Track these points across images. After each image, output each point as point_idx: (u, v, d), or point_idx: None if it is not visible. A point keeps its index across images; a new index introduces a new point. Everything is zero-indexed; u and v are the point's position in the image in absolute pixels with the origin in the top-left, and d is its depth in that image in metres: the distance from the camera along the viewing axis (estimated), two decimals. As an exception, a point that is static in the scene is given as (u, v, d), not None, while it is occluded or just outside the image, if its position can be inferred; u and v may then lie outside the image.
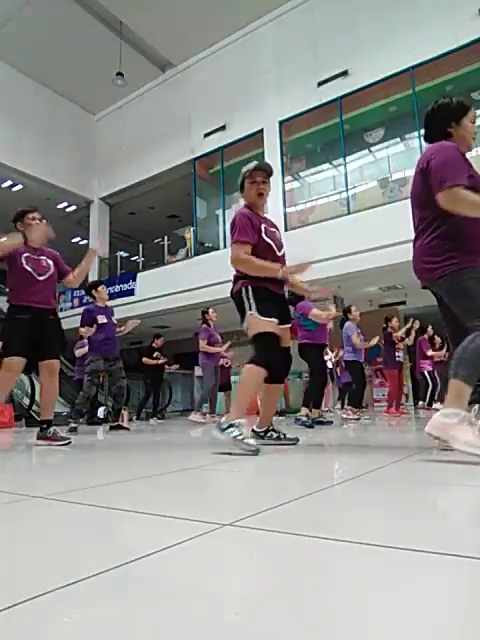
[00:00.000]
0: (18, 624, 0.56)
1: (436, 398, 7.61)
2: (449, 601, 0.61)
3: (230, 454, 2.27)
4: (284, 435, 2.78)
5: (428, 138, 2.15)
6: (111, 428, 5.20)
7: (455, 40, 8.44)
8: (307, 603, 0.60)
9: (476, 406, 2.44)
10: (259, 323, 2.54)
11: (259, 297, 2.58)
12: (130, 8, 10.51)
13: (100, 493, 1.43)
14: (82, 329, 5.21)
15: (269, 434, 2.77)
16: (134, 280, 12.21)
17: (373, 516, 1.07)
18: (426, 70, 8.76)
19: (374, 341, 6.32)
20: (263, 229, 2.66)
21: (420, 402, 7.99)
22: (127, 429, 5.17)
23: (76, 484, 1.58)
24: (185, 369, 12.38)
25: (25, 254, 3.25)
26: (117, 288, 12.42)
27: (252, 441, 2.34)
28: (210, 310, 6.56)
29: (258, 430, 2.80)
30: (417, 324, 7.14)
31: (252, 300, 2.57)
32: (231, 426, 2.36)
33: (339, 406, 9.00)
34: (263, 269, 2.57)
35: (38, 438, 3.29)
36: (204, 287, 10.28)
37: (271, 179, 2.89)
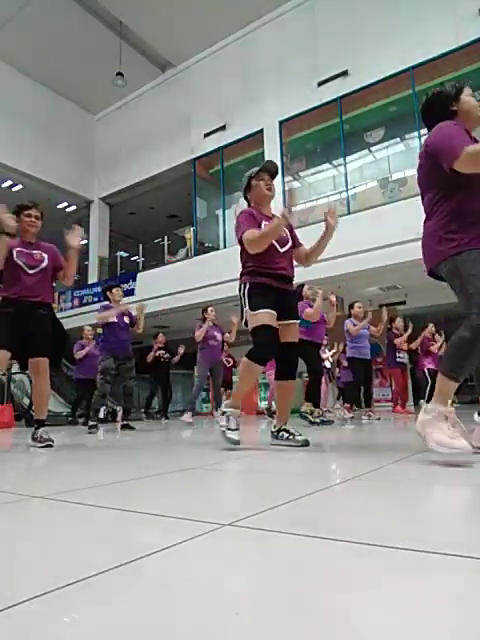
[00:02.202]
0: (18, 624, 0.56)
1: None
2: (449, 601, 0.61)
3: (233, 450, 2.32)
4: (293, 436, 2.68)
5: (430, 129, 2.09)
6: (122, 428, 5.39)
7: (455, 40, 8.44)
8: (307, 603, 0.60)
9: (421, 402, 2.52)
10: (252, 318, 2.63)
11: (253, 293, 2.66)
12: (130, 8, 10.52)
13: (100, 493, 1.43)
14: (87, 328, 5.29)
15: (281, 434, 2.73)
16: (134, 280, 12.22)
17: (373, 516, 1.07)
18: (426, 70, 8.76)
19: (380, 328, 6.38)
20: (264, 226, 2.71)
21: (421, 401, 7.98)
22: (133, 428, 5.34)
23: (76, 484, 1.58)
24: (185, 369, 12.38)
25: (17, 248, 3.20)
26: (117, 288, 12.43)
27: (234, 435, 2.51)
28: (209, 309, 6.66)
29: (273, 430, 2.80)
30: (411, 328, 7.15)
31: (246, 297, 2.67)
32: (223, 414, 2.61)
33: (338, 405, 8.99)
34: (270, 233, 2.62)
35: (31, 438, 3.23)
36: (204, 287, 10.28)
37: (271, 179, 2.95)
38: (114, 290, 5.49)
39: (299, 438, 2.65)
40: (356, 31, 9.51)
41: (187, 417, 6.38)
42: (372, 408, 6.37)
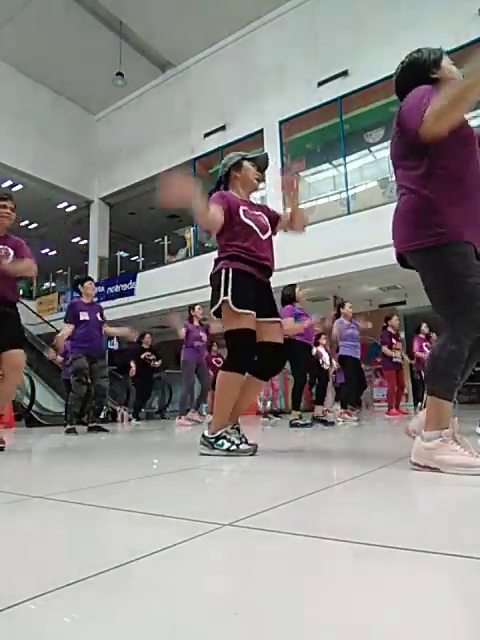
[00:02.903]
0: (18, 624, 0.56)
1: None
2: (450, 601, 0.61)
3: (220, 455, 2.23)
4: (243, 442, 2.30)
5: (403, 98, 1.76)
6: (89, 429, 5.03)
7: (455, 40, 8.43)
8: (307, 603, 0.60)
9: (455, 419, 1.91)
10: (233, 316, 2.30)
11: (238, 283, 2.32)
12: (130, 8, 10.52)
13: (100, 493, 1.43)
14: (64, 327, 4.97)
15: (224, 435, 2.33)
16: (134, 280, 12.22)
17: (373, 516, 1.07)
18: (426, 70, 8.76)
19: (368, 325, 6.21)
20: (242, 211, 2.44)
21: (419, 403, 7.93)
22: (106, 431, 4.97)
23: (76, 484, 1.58)
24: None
25: None
26: (117, 288, 12.43)
27: (246, 445, 2.23)
28: (196, 307, 6.45)
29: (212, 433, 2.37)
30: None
31: (230, 286, 2.31)
32: (219, 439, 2.25)
33: (337, 407, 8.95)
34: (203, 215, 2.27)
35: None
36: (204, 287, 10.23)
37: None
38: (86, 283, 5.20)
39: (243, 447, 2.27)
40: (356, 31, 9.51)
41: (184, 420, 6.06)
42: (358, 409, 6.22)
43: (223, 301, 2.31)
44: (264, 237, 2.48)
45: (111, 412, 8.17)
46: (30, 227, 15.42)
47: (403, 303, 10.84)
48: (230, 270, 2.34)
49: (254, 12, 10.80)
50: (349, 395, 6.05)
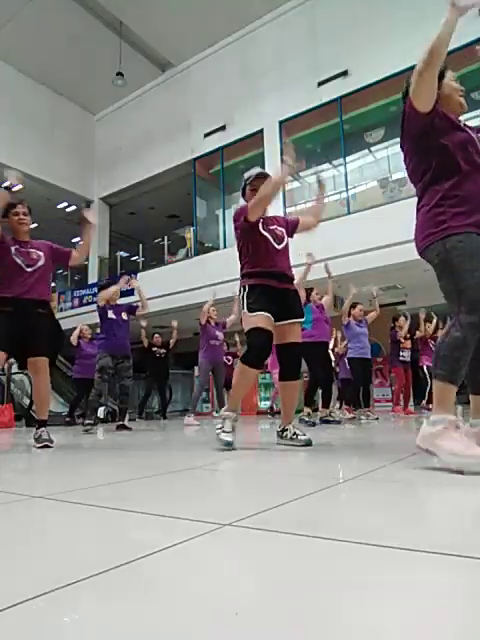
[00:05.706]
0: (18, 624, 0.56)
1: None
2: (449, 601, 0.61)
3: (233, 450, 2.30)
4: (296, 436, 2.67)
5: None
6: (117, 428, 5.25)
7: (455, 40, 8.41)
8: (307, 603, 0.60)
9: (459, 408, 2.23)
10: (247, 319, 2.61)
11: (251, 294, 2.64)
12: (130, 8, 10.51)
13: (100, 493, 1.43)
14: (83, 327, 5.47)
15: (285, 434, 2.72)
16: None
17: (373, 516, 1.07)
18: (426, 70, 8.74)
19: (373, 314, 6.40)
20: (260, 223, 2.73)
21: (423, 401, 7.93)
22: (129, 429, 5.18)
23: (76, 484, 1.58)
24: (185, 369, 12.38)
25: (14, 247, 3.20)
26: (117, 288, 12.42)
27: (228, 437, 2.48)
28: (211, 308, 6.54)
29: (278, 429, 2.80)
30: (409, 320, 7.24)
31: (244, 299, 2.66)
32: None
33: (338, 405, 8.95)
34: (270, 190, 2.67)
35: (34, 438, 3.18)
36: (204, 287, 10.27)
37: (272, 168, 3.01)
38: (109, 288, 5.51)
39: (302, 438, 2.64)
40: (356, 31, 9.50)
41: (190, 419, 6.08)
42: (371, 408, 6.36)
43: (243, 312, 2.68)
44: (279, 247, 2.74)
45: (111, 412, 8.17)
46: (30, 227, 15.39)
47: (403, 303, 10.83)
48: (246, 287, 2.68)
49: (254, 12, 10.78)
50: (353, 393, 6.19)
